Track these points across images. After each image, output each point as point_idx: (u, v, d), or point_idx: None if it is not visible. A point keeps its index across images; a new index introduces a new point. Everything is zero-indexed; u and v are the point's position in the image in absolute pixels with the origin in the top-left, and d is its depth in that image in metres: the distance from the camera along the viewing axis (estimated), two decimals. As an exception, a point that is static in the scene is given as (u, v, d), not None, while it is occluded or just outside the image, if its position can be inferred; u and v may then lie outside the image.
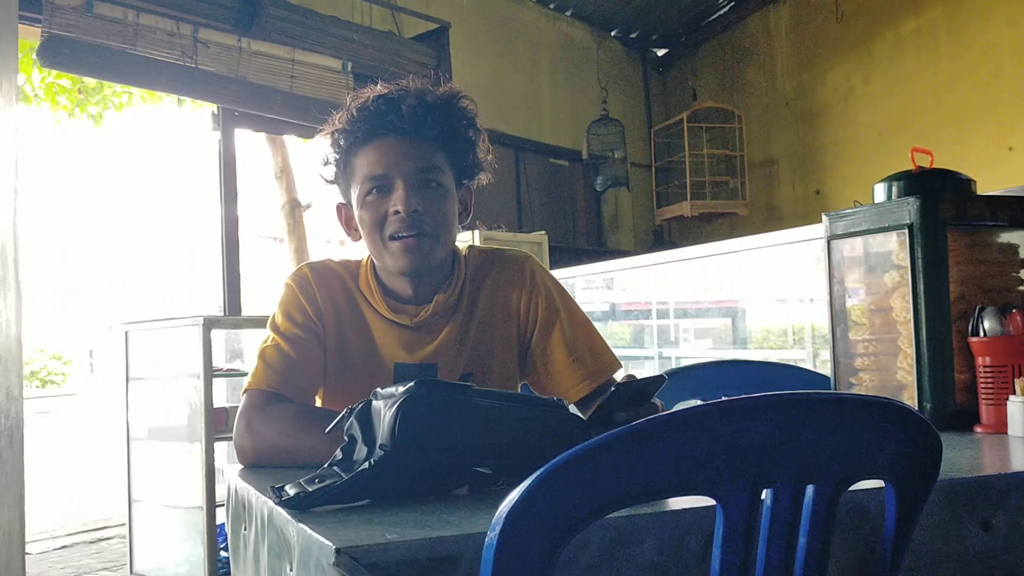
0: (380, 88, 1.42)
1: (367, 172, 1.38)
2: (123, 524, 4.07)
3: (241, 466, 1.28)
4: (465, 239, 5.44)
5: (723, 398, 0.74)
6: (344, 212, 1.47)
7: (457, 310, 1.47)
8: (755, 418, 0.71)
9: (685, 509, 0.83)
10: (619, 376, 1.32)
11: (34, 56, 4.13)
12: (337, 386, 1.45)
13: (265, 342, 1.41)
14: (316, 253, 6.89)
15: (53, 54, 3.78)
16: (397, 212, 1.35)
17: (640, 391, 1.09)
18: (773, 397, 0.72)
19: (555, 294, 1.51)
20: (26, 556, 2.39)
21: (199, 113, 5.64)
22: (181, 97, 5.21)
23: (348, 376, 1.44)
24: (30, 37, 3.94)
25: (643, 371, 4.71)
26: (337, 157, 1.44)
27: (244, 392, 1.37)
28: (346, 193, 1.45)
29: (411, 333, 1.44)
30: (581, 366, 1.47)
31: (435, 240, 1.38)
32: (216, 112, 4.60)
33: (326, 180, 1.49)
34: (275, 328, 1.42)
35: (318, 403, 1.47)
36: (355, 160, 1.41)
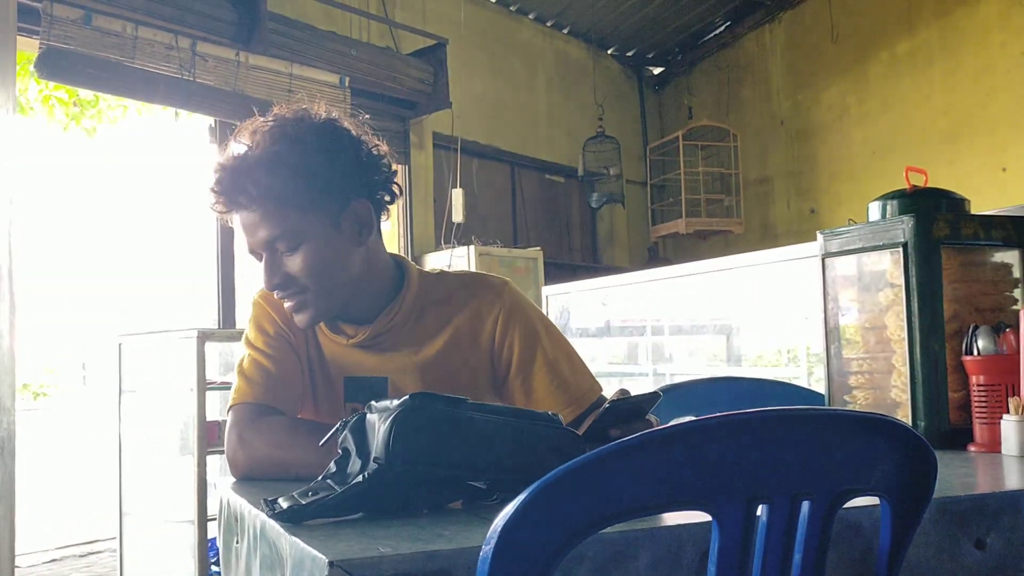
0: (217, 160, 1.35)
1: (244, 247, 1.36)
2: (113, 538, 4.05)
3: (234, 479, 1.28)
4: (460, 255, 5.44)
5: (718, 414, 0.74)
6: None
7: (413, 329, 1.43)
8: (751, 434, 0.71)
9: (680, 525, 0.83)
10: (612, 392, 1.32)
11: (31, 68, 4.14)
12: (303, 399, 1.45)
13: (242, 360, 1.41)
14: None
15: (51, 66, 3.78)
16: None
17: (635, 407, 1.09)
18: (769, 413, 0.72)
19: (534, 320, 1.47)
20: (15, 570, 2.37)
21: (195, 126, 5.64)
22: (178, 110, 5.22)
23: (310, 390, 1.44)
24: (28, 49, 3.95)
25: (637, 388, 4.69)
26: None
27: (229, 409, 1.36)
28: None
29: (359, 350, 1.43)
30: (564, 392, 1.44)
31: (317, 294, 1.34)
32: (213, 125, 4.61)
33: None
34: (250, 344, 1.42)
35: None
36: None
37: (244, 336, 1.45)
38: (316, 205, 1.31)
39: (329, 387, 1.43)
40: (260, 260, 1.35)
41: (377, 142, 1.42)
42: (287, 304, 1.36)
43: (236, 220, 1.34)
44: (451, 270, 1.57)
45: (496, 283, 1.49)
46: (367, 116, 1.48)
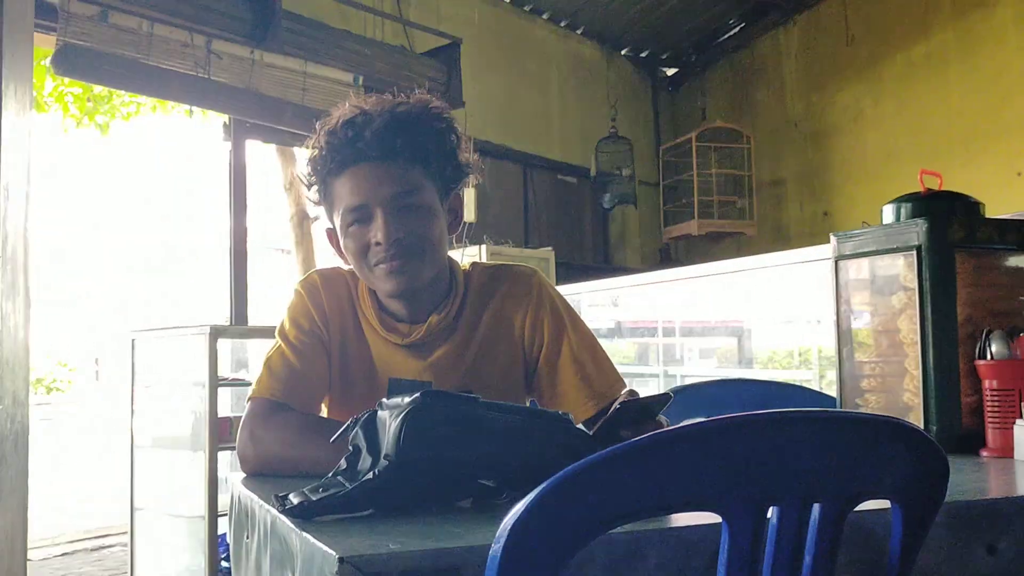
0: (348, 109, 1.37)
1: (346, 203, 1.36)
2: (125, 532, 4.07)
3: (244, 474, 1.28)
4: (472, 254, 5.44)
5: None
6: (334, 237, 1.46)
7: (455, 329, 1.45)
8: (762, 435, 0.71)
9: (690, 526, 0.83)
10: (623, 393, 1.31)
11: (46, 63, 4.17)
12: (336, 397, 1.46)
13: (272, 349, 1.41)
14: (323, 265, 6.91)
15: (67, 62, 3.80)
16: (379, 243, 1.34)
17: (645, 409, 1.09)
18: (780, 414, 0.71)
19: (562, 311, 1.49)
20: (27, 562, 2.39)
21: (209, 124, 5.67)
22: (192, 107, 5.24)
23: (346, 388, 1.44)
24: (44, 45, 3.97)
25: (648, 389, 4.70)
26: (316, 183, 1.42)
27: (248, 400, 1.37)
28: (331, 219, 1.43)
29: (406, 350, 1.43)
30: (588, 386, 1.45)
31: (421, 260, 1.36)
32: (227, 123, 4.63)
33: (312, 202, 1.47)
34: (283, 335, 1.42)
35: (324, 412, 1.47)
36: (333, 188, 1.38)
37: (279, 324, 1.45)
38: (435, 179, 1.39)
39: (371, 385, 1.42)
40: (363, 221, 1.34)
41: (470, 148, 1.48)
42: (392, 263, 1.34)
43: (355, 174, 1.34)
44: (480, 261, 1.59)
45: (526, 272, 1.52)
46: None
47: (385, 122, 1.34)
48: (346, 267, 1.50)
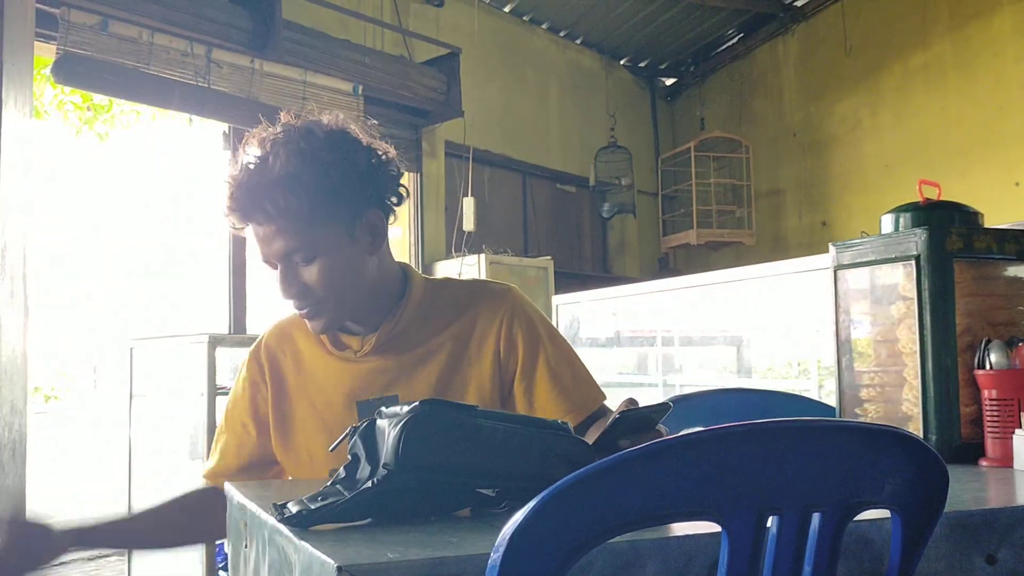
0: (237, 168, 1.34)
1: (258, 255, 1.38)
2: (122, 541, 4.05)
3: (243, 483, 1.29)
4: (471, 264, 5.45)
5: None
6: None
7: (415, 344, 1.44)
8: (762, 444, 0.71)
9: (690, 535, 0.82)
10: (620, 401, 1.31)
11: (47, 72, 4.17)
12: (308, 438, 1.47)
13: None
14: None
15: (67, 71, 3.81)
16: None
17: (645, 418, 1.09)
18: (780, 423, 0.71)
19: (537, 325, 1.47)
20: (24, 571, 2.37)
21: (209, 132, 5.68)
22: (192, 116, 5.25)
23: (315, 426, 1.45)
24: (44, 54, 3.98)
25: (647, 398, 4.67)
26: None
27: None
28: None
29: (367, 369, 1.44)
30: (566, 399, 1.43)
31: (326, 306, 1.36)
32: (227, 132, 4.64)
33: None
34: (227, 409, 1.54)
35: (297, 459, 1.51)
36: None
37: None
38: (332, 218, 1.33)
39: (336, 411, 1.44)
40: (273, 269, 1.36)
41: (385, 147, 1.42)
42: (301, 312, 1.38)
43: (250, 231, 1.35)
44: (457, 278, 1.59)
45: (500, 289, 1.50)
46: (374, 122, 1.49)
47: (254, 189, 1.31)
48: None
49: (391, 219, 1.44)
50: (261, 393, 1.49)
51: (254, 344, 1.54)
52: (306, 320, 1.39)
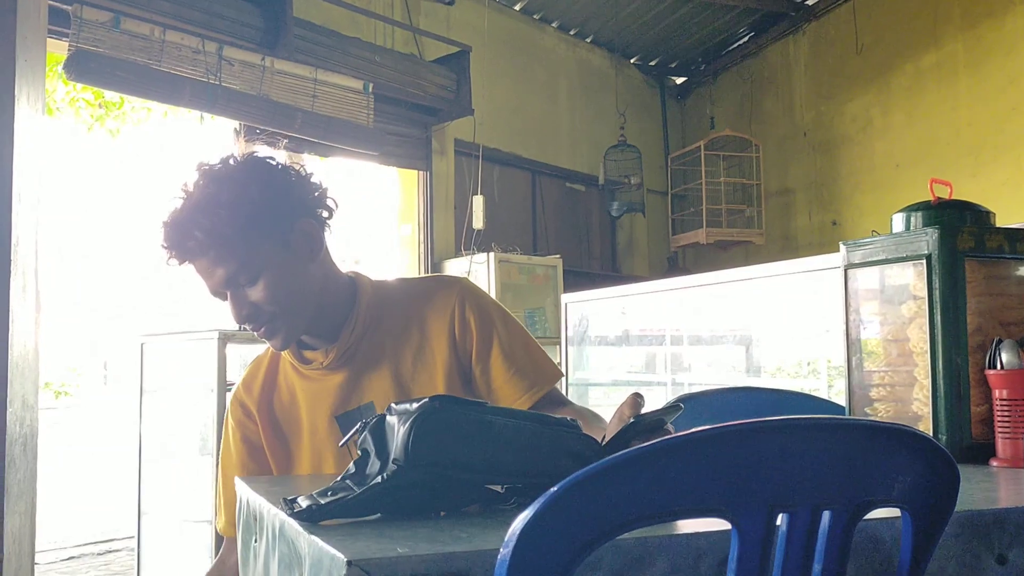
0: (165, 212, 1.38)
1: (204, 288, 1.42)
2: (131, 537, 4.08)
3: (253, 480, 1.30)
4: (480, 262, 5.45)
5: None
6: None
7: (375, 340, 1.47)
8: (773, 442, 0.71)
9: (699, 532, 0.82)
10: (626, 397, 1.32)
11: (59, 69, 4.19)
12: (296, 458, 1.50)
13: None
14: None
15: (80, 68, 3.83)
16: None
17: (656, 422, 1.09)
18: (791, 420, 0.71)
19: (490, 310, 1.50)
20: (34, 566, 2.39)
21: (220, 129, 5.69)
22: (203, 113, 5.27)
23: (301, 447, 1.49)
24: (57, 51, 4.00)
25: (655, 397, 4.68)
26: None
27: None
28: None
29: (334, 374, 1.47)
30: (523, 378, 1.46)
31: (278, 321, 1.39)
32: (238, 129, 4.65)
33: None
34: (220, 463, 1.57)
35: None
36: None
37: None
38: (263, 233, 1.36)
39: (321, 435, 1.48)
40: (224, 300, 1.40)
41: (302, 167, 1.46)
42: (259, 332, 1.41)
43: (193, 269, 1.39)
44: (405, 276, 1.62)
45: (451, 280, 1.54)
46: (285, 141, 1.52)
47: (181, 223, 1.35)
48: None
49: (326, 230, 1.46)
50: (251, 430, 1.52)
51: (232, 391, 1.58)
52: (265, 339, 1.43)
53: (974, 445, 1.40)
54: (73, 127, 6.25)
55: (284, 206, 1.39)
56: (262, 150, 1.44)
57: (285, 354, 1.50)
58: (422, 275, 1.57)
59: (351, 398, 1.45)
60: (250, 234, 1.35)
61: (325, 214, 1.45)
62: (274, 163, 1.42)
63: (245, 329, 1.43)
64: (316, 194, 1.44)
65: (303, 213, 1.41)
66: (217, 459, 1.61)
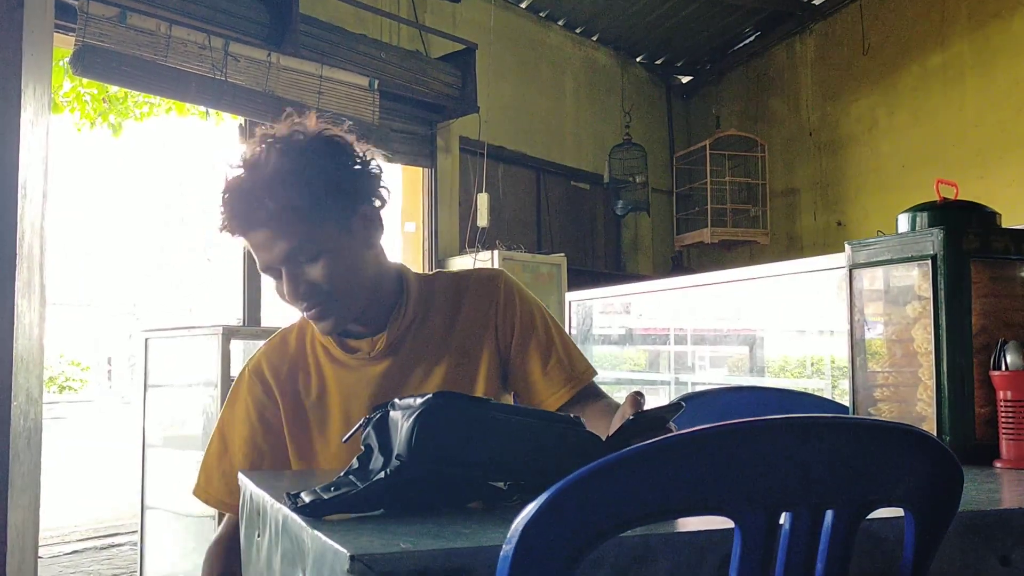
0: (226, 178, 1.36)
1: (258, 263, 1.39)
2: (134, 531, 4.08)
3: (256, 474, 1.29)
4: (484, 259, 5.45)
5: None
6: None
7: (423, 338, 1.46)
8: (776, 440, 0.71)
9: (702, 530, 0.82)
10: (627, 395, 1.32)
11: (63, 63, 4.20)
12: (321, 448, 1.47)
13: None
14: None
15: (85, 63, 3.83)
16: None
17: (658, 419, 1.09)
18: (795, 419, 0.71)
19: (530, 304, 1.51)
20: (37, 560, 2.40)
21: (224, 125, 5.70)
22: (208, 109, 5.27)
23: (329, 437, 1.46)
24: (62, 46, 4.00)
25: (659, 396, 4.68)
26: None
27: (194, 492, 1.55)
28: None
29: (381, 371, 1.45)
30: (561, 371, 1.47)
31: (334, 303, 1.37)
32: (243, 125, 4.65)
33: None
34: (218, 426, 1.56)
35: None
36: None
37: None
38: (329, 213, 1.35)
39: (352, 419, 1.43)
40: (277, 277, 1.37)
41: (365, 146, 1.44)
42: (310, 313, 1.38)
43: (250, 240, 1.36)
44: (445, 270, 1.61)
45: (492, 273, 1.54)
46: (350, 123, 1.51)
47: (252, 191, 1.33)
48: (290, 322, 1.55)
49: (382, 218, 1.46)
50: (271, 411, 1.49)
51: (250, 362, 1.54)
52: (314, 321, 1.40)
53: (978, 446, 1.40)
54: (79, 123, 6.26)
55: (351, 188, 1.38)
56: (329, 128, 1.41)
57: (322, 340, 1.47)
58: (462, 269, 1.57)
59: (391, 390, 1.43)
60: (319, 211, 1.33)
61: (378, 203, 1.44)
62: (344, 143, 1.40)
63: (301, 309, 1.38)
64: (377, 180, 1.43)
65: (365, 198, 1.40)
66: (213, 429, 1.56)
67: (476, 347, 1.47)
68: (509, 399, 1.52)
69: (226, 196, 1.34)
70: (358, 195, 1.39)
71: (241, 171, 1.35)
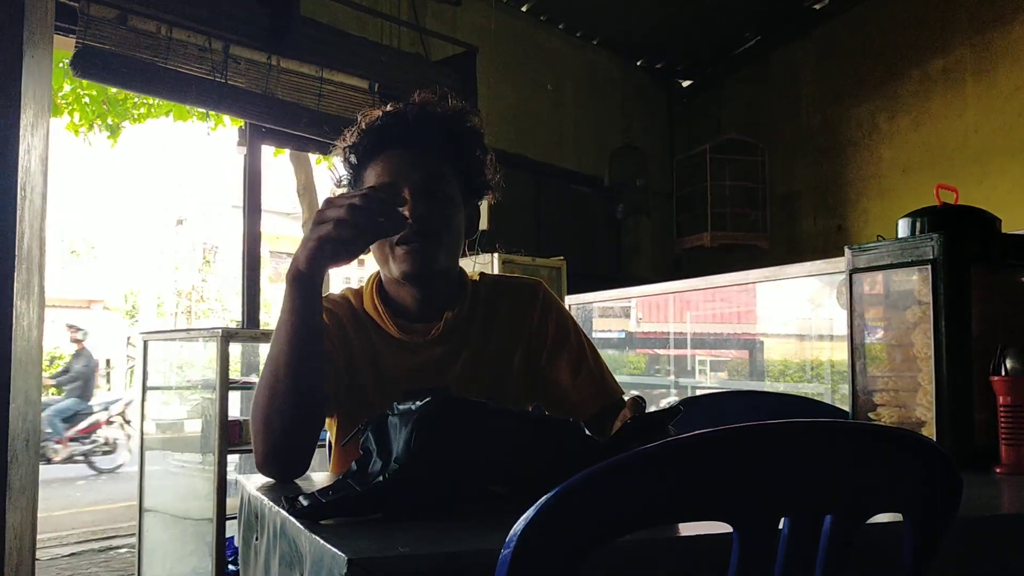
0: (391, 106, 1.45)
1: (375, 182, 1.40)
2: (132, 534, 4.08)
3: (255, 477, 1.29)
4: (484, 263, 5.44)
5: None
6: None
7: (468, 335, 1.49)
8: (775, 445, 0.71)
9: (700, 535, 0.82)
10: (627, 398, 1.32)
11: (63, 65, 4.19)
12: (348, 415, 1.46)
13: None
14: (335, 271, 6.93)
15: (86, 65, 3.83)
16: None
17: (656, 423, 1.09)
18: (793, 424, 0.71)
19: (566, 318, 1.56)
20: (35, 562, 2.39)
21: (224, 128, 5.70)
22: (208, 111, 5.27)
23: (358, 405, 1.44)
24: (63, 47, 4.00)
25: (658, 400, 4.68)
26: (348, 173, 1.47)
27: None
28: None
29: (422, 360, 1.45)
30: (592, 383, 1.51)
31: (439, 244, 1.41)
32: (243, 127, 4.65)
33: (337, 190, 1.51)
34: None
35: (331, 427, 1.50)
36: (365, 174, 1.44)
37: None
38: (466, 181, 1.47)
39: (387, 394, 1.40)
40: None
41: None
42: (411, 245, 1.38)
43: (396, 158, 1.40)
44: (488, 272, 1.65)
45: (532, 283, 1.59)
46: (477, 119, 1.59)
47: (421, 115, 1.42)
48: (341, 290, 1.56)
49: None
50: (338, 357, 1.43)
51: (330, 297, 1.51)
52: (410, 254, 1.39)
53: (978, 451, 1.40)
54: (77, 123, 6.25)
55: (484, 180, 1.51)
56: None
57: (382, 317, 1.46)
58: (497, 274, 1.60)
59: (430, 377, 1.44)
60: (467, 172, 1.47)
61: (480, 211, 1.56)
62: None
63: (407, 237, 1.35)
64: (491, 192, 1.55)
65: (483, 195, 1.52)
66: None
67: (511, 351, 1.51)
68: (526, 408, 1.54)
69: (389, 113, 1.42)
70: (480, 190, 1.51)
71: (428, 99, 1.45)
